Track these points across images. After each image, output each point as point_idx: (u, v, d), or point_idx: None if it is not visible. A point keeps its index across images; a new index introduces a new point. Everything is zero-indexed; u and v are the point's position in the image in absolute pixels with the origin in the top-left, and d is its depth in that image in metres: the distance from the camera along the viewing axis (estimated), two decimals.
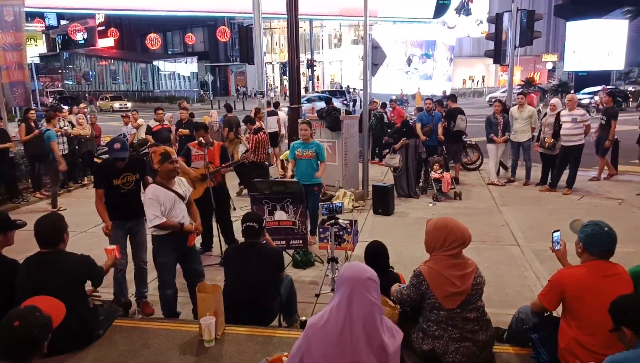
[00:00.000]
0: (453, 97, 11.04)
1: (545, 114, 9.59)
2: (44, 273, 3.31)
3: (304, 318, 4.01)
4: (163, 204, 4.14)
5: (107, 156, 4.48)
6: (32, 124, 9.47)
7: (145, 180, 4.62)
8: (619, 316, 2.38)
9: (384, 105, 14.12)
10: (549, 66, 48.86)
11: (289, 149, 7.86)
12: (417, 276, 3.11)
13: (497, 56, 12.10)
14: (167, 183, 4.25)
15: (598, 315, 2.66)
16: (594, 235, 2.95)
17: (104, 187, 4.47)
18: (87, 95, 34.67)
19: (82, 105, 11.03)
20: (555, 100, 9.94)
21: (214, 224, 6.11)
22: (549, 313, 3.25)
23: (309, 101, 26.32)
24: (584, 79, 34.30)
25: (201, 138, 6.04)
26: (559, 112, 8.97)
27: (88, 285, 3.64)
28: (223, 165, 6.13)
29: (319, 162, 6.53)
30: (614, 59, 35.00)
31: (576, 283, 2.88)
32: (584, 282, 2.87)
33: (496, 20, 12.11)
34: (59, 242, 3.42)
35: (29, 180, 10.08)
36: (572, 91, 24.79)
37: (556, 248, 3.39)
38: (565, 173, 9.04)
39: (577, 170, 9.18)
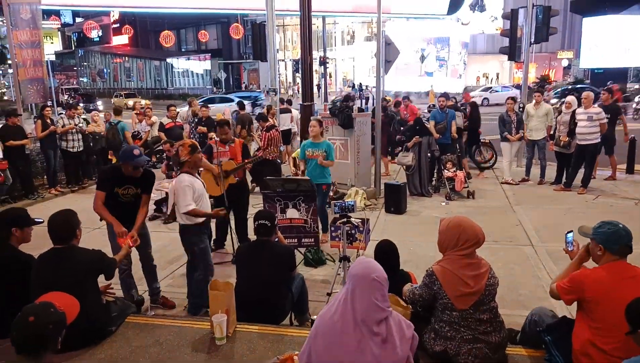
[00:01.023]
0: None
1: (561, 112, 9.46)
2: (57, 269, 3.35)
3: (315, 317, 4.00)
4: (196, 191, 4.46)
5: (121, 159, 4.44)
6: (48, 120, 9.60)
7: (144, 197, 4.55)
8: (636, 319, 2.33)
9: (397, 104, 14.05)
10: (565, 63, 48.18)
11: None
12: (429, 275, 3.09)
13: (512, 52, 11.95)
14: (194, 173, 4.55)
15: (614, 317, 2.61)
16: (612, 233, 2.90)
17: (106, 191, 4.43)
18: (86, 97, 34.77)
19: (79, 109, 11.08)
20: (570, 97, 9.80)
21: (228, 223, 6.13)
22: (563, 315, 3.21)
23: (209, 101, 25.52)
24: (600, 76, 33.76)
25: (223, 135, 6.11)
26: (575, 110, 8.84)
27: (101, 282, 3.68)
28: (245, 161, 6.16)
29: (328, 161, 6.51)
30: (632, 56, 34.39)
31: (597, 285, 2.83)
32: (605, 284, 2.82)
33: (511, 16, 11.95)
34: (72, 238, 3.46)
35: (45, 176, 10.20)
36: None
37: (570, 249, 3.34)
38: (581, 172, 8.92)
39: (593, 169, 9.06)
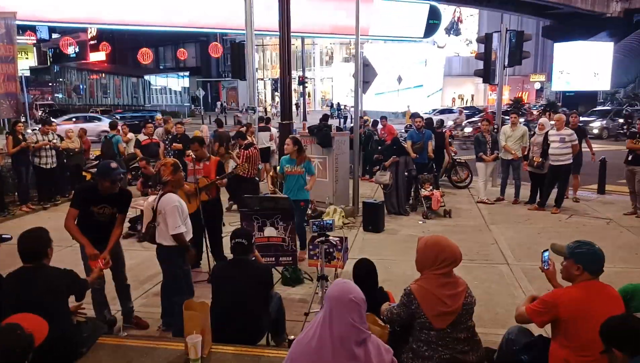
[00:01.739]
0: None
1: (534, 133, 9.69)
2: (26, 288, 3.23)
3: (292, 337, 3.94)
4: (183, 212, 4.39)
5: (98, 175, 4.37)
6: (20, 136, 9.39)
7: (120, 217, 4.49)
8: (609, 337, 2.37)
9: (374, 123, 14.19)
10: (537, 85, 49.58)
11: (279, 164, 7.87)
12: (407, 295, 3.08)
13: (487, 75, 12.24)
14: (176, 192, 4.48)
15: (590, 336, 2.63)
16: (591, 253, 2.96)
17: (79, 208, 4.32)
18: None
19: (53, 125, 10.96)
20: (543, 119, 10.06)
21: (204, 241, 6.04)
22: (539, 334, 3.24)
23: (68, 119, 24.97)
24: (571, 99, 34.83)
25: (197, 151, 6.06)
26: (547, 131, 9.06)
27: (72, 301, 3.57)
28: (217, 177, 6.11)
29: (307, 177, 6.53)
30: (601, 80, 35.61)
31: (573, 304, 2.87)
32: (580, 304, 2.86)
33: (485, 40, 12.27)
34: (42, 257, 3.36)
35: (16, 193, 9.93)
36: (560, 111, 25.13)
37: (545, 267, 3.39)
38: (554, 192, 9.11)
39: (566, 189, 9.26)
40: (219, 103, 49.11)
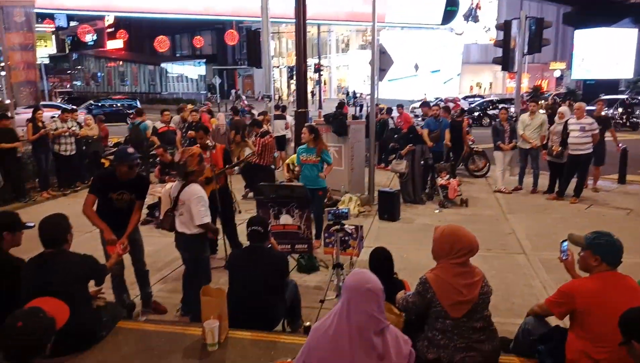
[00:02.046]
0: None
1: (554, 122, 9.54)
2: (47, 273, 3.31)
3: (308, 323, 3.99)
4: (206, 202, 4.42)
5: (116, 160, 4.44)
6: (40, 123, 9.53)
7: (138, 203, 4.53)
8: (629, 329, 2.34)
9: (389, 110, 14.08)
10: (557, 74, 48.69)
11: (295, 153, 7.87)
12: (423, 284, 3.08)
13: (505, 63, 12.06)
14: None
15: (607, 327, 2.62)
16: (610, 245, 2.92)
17: (97, 195, 4.40)
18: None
19: (74, 114, 11.12)
20: (563, 108, 9.88)
21: (219, 227, 6.09)
22: (556, 324, 3.21)
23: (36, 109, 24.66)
24: (592, 88, 34.13)
25: (207, 141, 6.07)
26: (567, 120, 8.91)
27: (92, 286, 3.64)
28: (227, 166, 6.15)
29: (324, 166, 6.52)
30: (623, 68, 34.81)
31: (589, 296, 2.84)
32: (597, 295, 2.83)
33: (505, 27, 12.07)
34: (62, 242, 3.43)
35: (36, 180, 10.12)
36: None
37: (564, 258, 3.35)
38: (573, 182, 8.98)
39: (585, 179, 9.12)
40: (233, 91, 49.12)
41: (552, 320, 3.22)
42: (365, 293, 2.23)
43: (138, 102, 26.71)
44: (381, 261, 3.93)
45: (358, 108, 31.28)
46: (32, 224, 3.66)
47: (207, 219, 4.39)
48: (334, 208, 4.95)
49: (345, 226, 4.69)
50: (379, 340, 2.20)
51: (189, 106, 12.88)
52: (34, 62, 11.00)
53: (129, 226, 4.43)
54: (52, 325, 2.46)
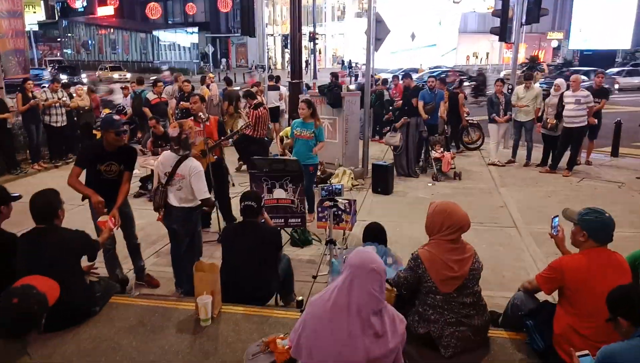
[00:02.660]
0: (409, 76, 10.90)
1: (549, 94, 9.48)
2: (39, 249, 3.31)
3: (300, 297, 4.03)
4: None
5: (103, 127, 4.43)
6: (30, 94, 9.37)
7: (126, 174, 4.48)
8: (616, 306, 2.38)
9: (384, 82, 13.94)
10: (554, 44, 48.20)
11: (289, 125, 7.79)
12: (414, 259, 3.10)
13: (503, 33, 11.88)
14: None
15: (596, 304, 2.65)
16: (599, 222, 2.93)
17: (83, 167, 4.35)
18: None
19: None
20: (559, 80, 9.80)
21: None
22: (544, 299, 3.26)
23: None
24: (589, 58, 33.90)
25: (201, 114, 5.97)
26: (563, 93, 8.86)
27: (84, 261, 3.64)
28: (222, 138, 6.08)
29: (317, 142, 6.44)
30: (621, 38, 34.53)
31: (577, 271, 2.88)
32: (585, 271, 2.86)
33: None
34: (54, 218, 3.41)
35: (27, 151, 10.02)
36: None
37: (555, 234, 3.37)
38: (566, 155, 9.00)
39: (578, 152, 9.13)
40: (224, 60, 48.16)
41: (541, 295, 3.27)
42: (370, 272, 2.24)
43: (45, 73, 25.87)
44: (375, 235, 3.97)
45: (353, 78, 30.98)
46: (17, 194, 3.63)
47: (208, 193, 4.43)
48: (327, 184, 4.94)
49: (339, 201, 4.69)
50: (376, 320, 2.23)
51: (182, 76, 12.71)
52: (22, 29, 10.74)
53: (118, 198, 4.38)
54: (45, 301, 2.48)
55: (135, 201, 7.63)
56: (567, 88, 9.02)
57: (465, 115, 11.15)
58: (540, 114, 9.44)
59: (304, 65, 23.34)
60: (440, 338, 3.03)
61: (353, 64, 39.77)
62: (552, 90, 9.37)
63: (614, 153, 10.35)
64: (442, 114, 9.68)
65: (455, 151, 10.61)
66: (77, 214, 5.80)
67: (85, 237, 3.54)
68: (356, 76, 31.90)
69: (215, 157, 6.02)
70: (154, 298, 3.98)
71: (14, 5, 10.39)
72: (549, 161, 9.26)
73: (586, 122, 8.64)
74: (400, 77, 12.66)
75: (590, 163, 9.62)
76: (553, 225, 3.42)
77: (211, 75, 13.51)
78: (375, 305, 2.23)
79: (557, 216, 3.45)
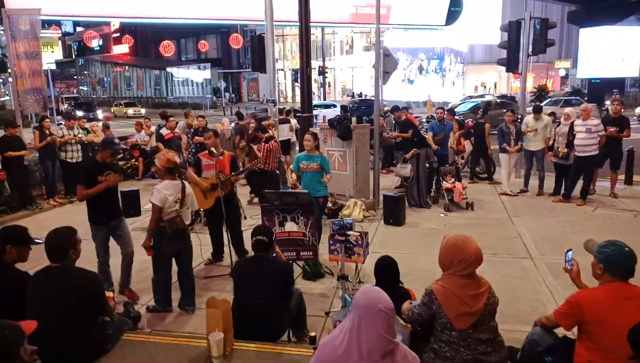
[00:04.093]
0: (398, 108, 11.01)
1: (559, 123, 9.48)
2: (49, 287, 3.29)
3: (313, 333, 3.98)
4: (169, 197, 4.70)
5: (102, 145, 5.35)
6: (47, 131, 9.59)
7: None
8: (639, 344, 2.31)
9: (394, 109, 14.02)
10: (562, 72, 48.41)
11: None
12: (428, 294, 3.06)
13: (510, 64, 12.02)
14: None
15: (616, 339, 2.58)
16: (615, 255, 2.87)
17: (88, 184, 4.98)
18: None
19: (81, 121, 11.23)
20: (569, 109, 9.81)
21: (225, 234, 6.10)
22: (563, 335, 3.19)
23: None
24: (597, 86, 33.92)
25: (212, 149, 6.05)
26: (573, 121, 8.85)
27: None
28: (233, 173, 6.14)
29: (324, 174, 6.45)
30: (628, 66, 34.58)
31: (596, 306, 2.81)
32: (604, 306, 2.80)
33: (509, 28, 12.03)
34: (69, 256, 3.40)
35: (43, 187, 10.17)
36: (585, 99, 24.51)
37: (569, 268, 3.32)
38: (579, 184, 8.92)
39: (591, 181, 9.06)
40: (227, 94, 47.84)
41: (560, 330, 3.19)
42: (377, 313, 2.20)
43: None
44: (387, 270, 3.92)
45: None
46: (40, 240, 3.65)
47: (153, 199, 4.76)
48: (339, 219, 4.94)
49: (350, 236, 4.67)
50: (387, 361, 2.19)
51: (192, 113, 12.91)
52: (39, 69, 11.05)
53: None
54: (21, 332, 2.43)
55: (141, 232, 7.67)
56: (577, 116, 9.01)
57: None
58: (550, 143, 9.42)
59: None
60: None
61: (363, 96, 40.19)
62: (562, 119, 9.38)
63: (628, 181, 10.25)
64: (452, 144, 9.72)
65: (489, 181, 10.67)
66: (91, 250, 5.84)
67: (99, 282, 3.52)
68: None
69: (226, 192, 6.07)
70: (166, 335, 3.95)
71: (31, 47, 10.74)
72: (562, 191, 9.18)
73: (597, 151, 8.59)
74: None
75: (616, 196, 9.27)
76: (567, 259, 3.37)
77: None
78: (385, 346, 2.19)
79: (571, 249, 3.41)
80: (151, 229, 4.74)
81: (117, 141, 5.43)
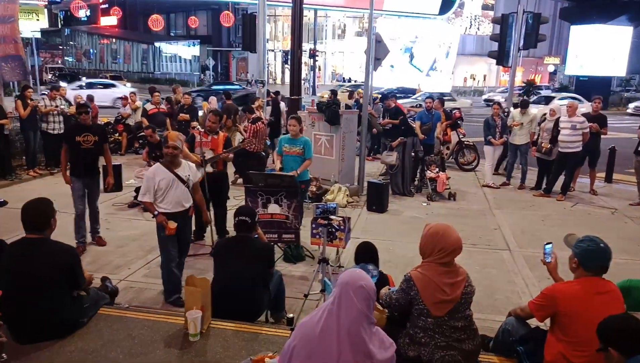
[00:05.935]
0: (388, 97, 11.05)
1: (545, 118, 9.57)
2: (26, 259, 3.23)
3: (291, 315, 4.00)
4: (158, 184, 4.46)
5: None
6: (29, 101, 9.38)
7: (104, 146, 5.91)
8: (607, 336, 2.36)
9: (383, 98, 14.02)
10: (551, 68, 48.78)
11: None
12: (407, 281, 3.09)
13: (501, 57, 12.04)
14: (171, 165, 4.56)
15: (587, 332, 2.63)
16: (590, 251, 2.93)
17: (67, 142, 5.70)
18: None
19: (62, 90, 10.83)
20: (555, 105, 9.89)
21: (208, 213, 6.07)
22: (536, 326, 3.25)
23: None
24: (585, 84, 34.22)
25: (212, 124, 6.20)
26: (558, 117, 8.94)
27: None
28: (223, 151, 6.11)
29: (305, 158, 6.41)
30: (616, 65, 34.91)
31: (569, 299, 2.87)
32: (577, 299, 2.85)
33: (501, 21, 12.03)
34: (45, 228, 3.33)
35: (24, 157, 9.99)
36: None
37: (547, 261, 3.37)
38: (561, 179, 9.04)
39: (573, 177, 9.18)
40: (208, 72, 45.30)
41: (533, 321, 3.26)
42: (358, 289, 2.25)
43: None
44: (367, 254, 3.95)
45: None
46: (2, 200, 3.60)
47: (144, 199, 4.66)
48: (322, 203, 4.94)
49: (333, 220, 4.68)
50: (366, 338, 2.22)
51: (181, 89, 12.78)
52: (15, 35, 10.55)
53: (108, 166, 6.03)
54: None
55: (129, 212, 7.62)
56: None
57: (461, 136, 11.23)
58: (535, 138, 9.51)
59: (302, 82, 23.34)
60: (431, 362, 3.00)
61: (352, 81, 40.05)
62: (547, 115, 9.46)
63: (608, 179, 10.42)
64: (439, 135, 9.76)
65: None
66: (70, 222, 5.78)
67: (74, 254, 3.47)
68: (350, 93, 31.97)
69: (215, 170, 6.06)
70: (144, 311, 3.93)
71: (6, 10, 10.18)
72: (543, 185, 9.30)
73: (581, 148, 8.70)
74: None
75: (595, 193, 9.40)
76: (546, 252, 3.42)
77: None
78: (364, 320, 2.23)
79: (551, 243, 3.46)
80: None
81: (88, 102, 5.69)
